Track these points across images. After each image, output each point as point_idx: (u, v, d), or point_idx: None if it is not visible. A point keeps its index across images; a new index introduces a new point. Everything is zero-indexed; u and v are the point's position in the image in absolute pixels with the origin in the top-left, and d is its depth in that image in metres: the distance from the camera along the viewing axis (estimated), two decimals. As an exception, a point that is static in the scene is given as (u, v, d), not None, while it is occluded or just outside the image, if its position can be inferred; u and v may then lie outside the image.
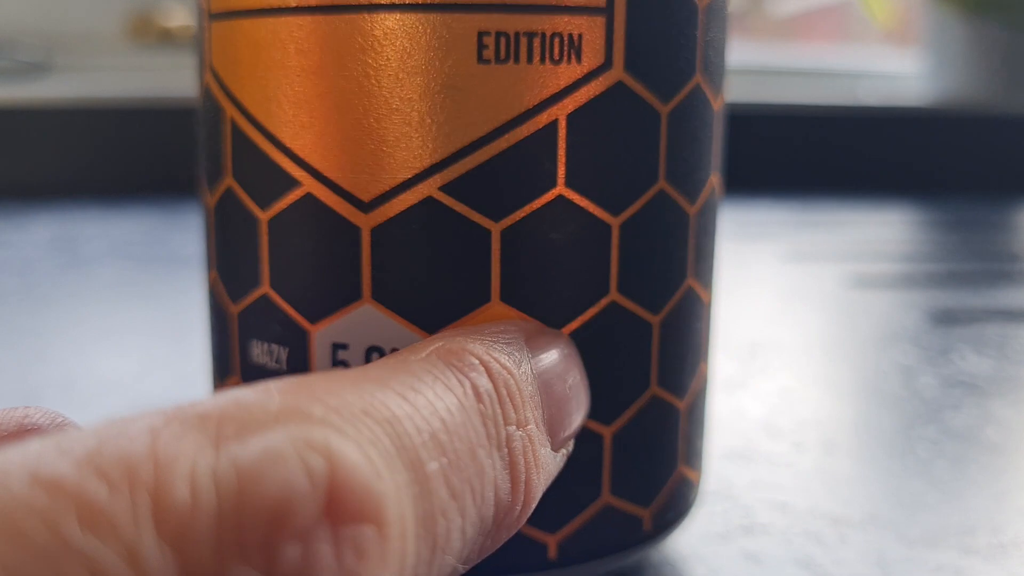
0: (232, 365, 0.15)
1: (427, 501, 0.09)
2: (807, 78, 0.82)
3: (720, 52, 0.15)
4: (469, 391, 0.11)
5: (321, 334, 0.13)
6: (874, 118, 0.70)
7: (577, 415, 0.13)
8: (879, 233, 0.55)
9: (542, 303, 0.13)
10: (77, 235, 0.48)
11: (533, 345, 0.12)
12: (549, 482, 0.12)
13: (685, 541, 0.17)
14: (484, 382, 0.11)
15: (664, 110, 0.14)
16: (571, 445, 0.13)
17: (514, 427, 0.11)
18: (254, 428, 0.08)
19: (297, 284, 0.14)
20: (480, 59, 0.12)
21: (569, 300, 0.13)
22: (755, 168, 0.67)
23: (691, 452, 0.16)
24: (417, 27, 0.12)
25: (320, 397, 0.09)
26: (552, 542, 0.14)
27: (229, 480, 0.08)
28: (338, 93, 0.13)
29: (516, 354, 0.12)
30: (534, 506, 0.11)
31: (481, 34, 0.12)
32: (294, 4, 0.13)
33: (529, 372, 0.12)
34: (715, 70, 0.15)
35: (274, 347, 0.14)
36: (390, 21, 0.12)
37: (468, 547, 0.10)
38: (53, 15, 0.68)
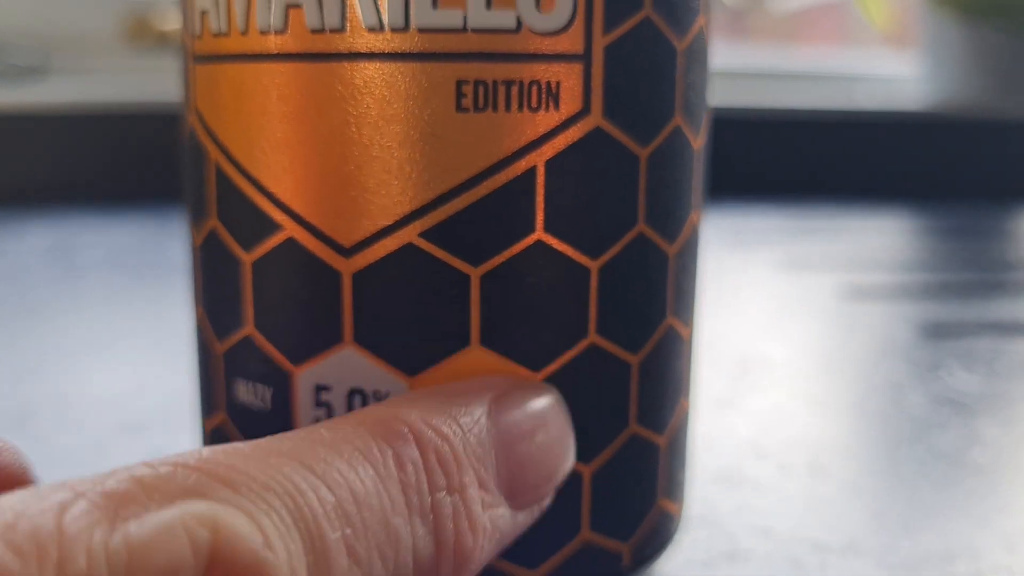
0: (218, 402, 0.15)
1: (325, 569, 0.10)
2: (804, 81, 0.82)
3: (700, 92, 0.15)
4: (390, 460, 0.11)
5: (304, 376, 0.14)
6: (871, 123, 0.70)
7: (549, 471, 0.13)
8: (875, 240, 0.55)
9: (521, 347, 0.13)
10: (73, 242, 0.48)
11: (502, 403, 0.13)
12: (506, 541, 0.13)
13: (669, 568, 0.18)
14: (409, 451, 0.11)
15: (643, 153, 0.14)
16: (546, 501, 0.13)
17: (444, 493, 0.11)
18: (152, 507, 0.09)
19: (280, 326, 0.14)
20: (459, 107, 0.13)
21: (548, 343, 0.13)
22: (751, 173, 0.67)
23: (672, 485, 0.16)
24: (396, 76, 0.12)
25: (222, 475, 0.10)
26: None
27: (120, 554, 0.09)
28: (319, 140, 0.13)
29: (466, 416, 0.12)
30: (473, 567, 0.12)
31: (460, 83, 0.12)
32: (276, 51, 0.13)
33: (481, 433, 0.12)
34: (695, 110, 0.15)
35: (259, 387, 0.14)
36: (370, 70, 0.13)
37: None
38: (49, 18, 0.68)
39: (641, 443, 0.15)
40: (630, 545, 0.15)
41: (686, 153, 0.15)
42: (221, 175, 0.14)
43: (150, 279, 0.41)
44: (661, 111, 0.14)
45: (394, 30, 0.12)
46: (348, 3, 0.12)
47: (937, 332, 0.35)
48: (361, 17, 0.12)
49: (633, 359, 0.14)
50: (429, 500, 0.11)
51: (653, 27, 0.13)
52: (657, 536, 0.16)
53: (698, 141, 0.15)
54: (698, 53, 0.15)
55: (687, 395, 0.16)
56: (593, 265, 0.13)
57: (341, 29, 0.13)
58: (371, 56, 0.13)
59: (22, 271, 0.42)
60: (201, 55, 0.14)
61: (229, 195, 0.14)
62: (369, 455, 0.11)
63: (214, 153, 0.14)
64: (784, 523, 0.20)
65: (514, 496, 0.12)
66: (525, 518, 0.13)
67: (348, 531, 0.10)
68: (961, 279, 0.44)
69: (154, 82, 0.63)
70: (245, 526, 0.09)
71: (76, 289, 0.39)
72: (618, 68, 0.13)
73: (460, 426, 0.12)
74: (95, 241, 0.49)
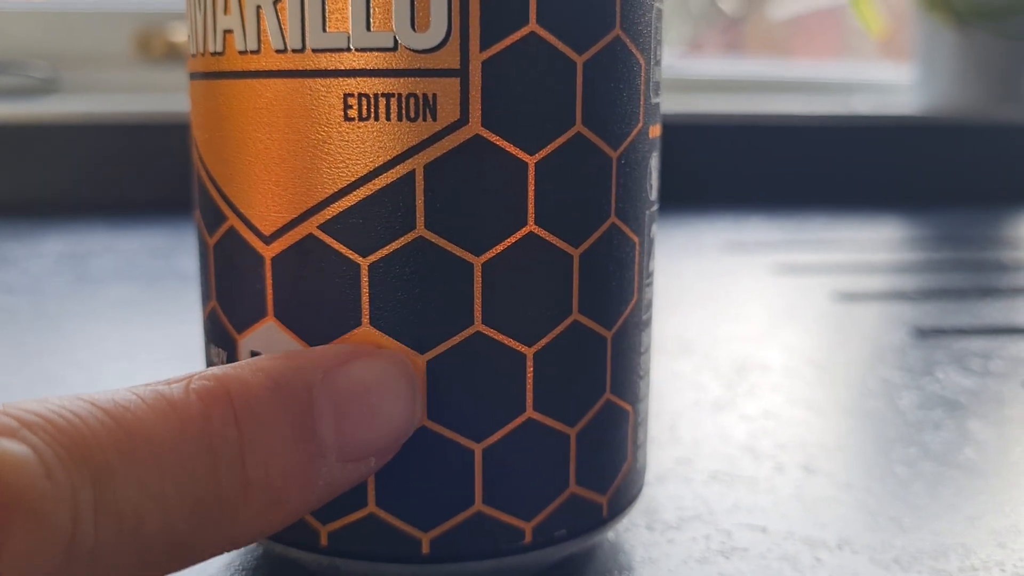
0: (207, 363, 0.18)
1: (110, 493, 0.11)
2: (801, 90, 0.81)
3: (615, 102, 0.15)
4: (194, 411, 0.12)
5: (244, 343, 0.16)
6: (867, 128, 0.69)
7: (377, 430, 0.14)
8: (870, 244, 0.53)
9: (406, 329, 0.15)
10: (85, 253, 0.49)
11: (340, 368, 0.14)
12: (336, 487, 0.14)
13: (665, 566, 0.18)
14: (221, 406, 0.13)
15: (532, 160, 0.15)
16: (376, 460, 0.14)
17: (256, 443, 0.13)
18: None
19: (229, 301, 0.16)
20: (346, 117, 0.14)
21: (433, 328, 0.15)
22: (746, 179, 0.67)
23: (589, 475, 0.16)
24: (296, 90, 0.14)
25: (19, 415, 0.11)
26: (425, 539, 0.15)
27: None
28: (244, 146, 0.15)
29: (293, 379, 0.13)
30: (290, 505, 0.13)
31: (346, 95, 0.14)
32: (216, 69, 0.15)
33: (307, 393, 0.13)
34: (606, 120, 0.15)
35: (220, 350, 0.17)
36: (277, 85, 0.15)
37: (183, 529, 0.12)
38: (60, 33, 0.69)
39: (541, 429, 0.16)
40: (532, 524, 0.16)
41: (592, 161, 0.15)
42: (198, 175, 0.17)
43: (161, 288, 0.42)
44: (555, 120, 0.15)
45: (294, 51, 0.14)
46: (262, 28, 0.14)
47: (930, 335, 0.34)
48: (271, 40, 0.14)
49: (528, 350, 0.15)
50: (238, 448, 0.13)
51: (541, 41, 0.14)
52: (570, 521, 0.16)
53: (618, 150, 0.16)
54: (609, 65, 0.15)
55: (615, 394, 0.17)
56: (477, 261, 0.15)
57: (257, 51, 0.15)
58: (278, 74, 0.14)
59: (35, 280, 0.43)
60: (189, 72, 0.17)
61: (201, 191, 0.17)
62: (175, 406, 0.12)
63: (195, 156, 0.17)
64: (779, 521, 0.20)
65: (343, 449, 0.14)
66: (357, 469, 0.14)
67: (138, 462, 0.11)
68: (955, 282, 0.42)
69: (164, 94, 0.64)
70: (27, 458, 0.10)
71: (88, 297, 0.40)
72: (499, 81, 0.14)
73: (281, 386, 0.13)
74: (106, 250, 0.50)
